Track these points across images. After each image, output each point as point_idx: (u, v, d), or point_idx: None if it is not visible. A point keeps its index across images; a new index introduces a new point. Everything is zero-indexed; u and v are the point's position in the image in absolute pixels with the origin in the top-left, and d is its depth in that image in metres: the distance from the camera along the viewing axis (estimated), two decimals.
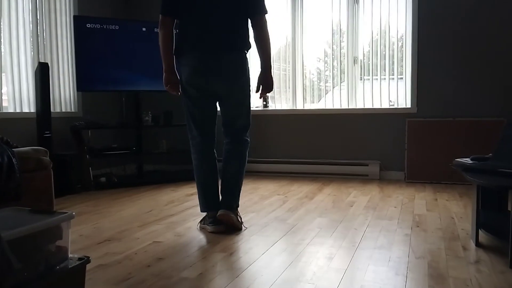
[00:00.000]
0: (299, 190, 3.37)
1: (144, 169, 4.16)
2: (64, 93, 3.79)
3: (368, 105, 3.92)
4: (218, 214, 2.20)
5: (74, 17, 3.58)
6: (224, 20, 2.16)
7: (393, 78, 3.84)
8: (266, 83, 2.26)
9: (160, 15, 2.18)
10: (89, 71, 3.59)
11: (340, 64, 4.00)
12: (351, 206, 2.76)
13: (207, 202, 2.27)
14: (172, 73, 2.23)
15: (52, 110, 3.43)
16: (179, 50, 2.21)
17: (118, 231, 2.26)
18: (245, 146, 2.33)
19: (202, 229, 2.28)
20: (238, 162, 2.29)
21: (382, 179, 3.80)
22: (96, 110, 4.10)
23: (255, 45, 2.26)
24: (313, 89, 4.22)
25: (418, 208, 2.70)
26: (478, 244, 1.93)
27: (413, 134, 3.65)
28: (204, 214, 2.33)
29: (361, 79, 3.95)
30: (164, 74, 2.22)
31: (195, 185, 3.62)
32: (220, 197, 2.29)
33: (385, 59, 3.86)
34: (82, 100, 3.96)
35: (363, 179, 3.83)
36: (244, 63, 2.22)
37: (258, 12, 2.20)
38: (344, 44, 3.98)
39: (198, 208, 2.77)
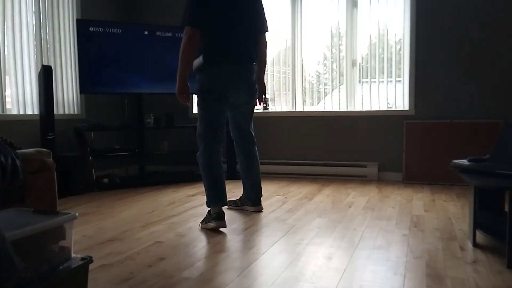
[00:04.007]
0: (298, 191, 3.40)
1: (146, 170, 4.19)
2: (67, 95, 3.82)
3: (367, 107, 3.95)
4: (257, 208, 2.65)
5: (77, 20, 3.61)
6: (246, 34, 2.40)
7: (391, 81, 3.86)
8: (263, 89, 2.66)
9: (187, 26, 2.22)
10: (91, 74, 3.62)
11: (339, 67, 4.03)
12: (350, 207, 2.79)
13: (218, 195, 2.35)
14: (186, 83, 2.33)
15: (55, 112, 3.45)
16: (207, 61, 2.31)
17: (121, 232, 2.29)
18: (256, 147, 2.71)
19: (203, 229, 2.31)
20: (258, 163, 2.68)
21: (380, 180, 3.83)
22: (99, 112, 4.13)
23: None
24: (312, 92, 4.25)
25: (416, 208, 2.72)
26: (475, 244, 1.95)
27: (411, 136, 3.68)
28: (204, 216, 2.38)
29: (359, 82, 3.98)
30: (180, 83, 2.30)
31: (196, 185, 3.67)
32: (246, 195, 2.69)
33: (383, 62, 3.88)
34: (85, 102, 3.99)
35: (362, 180, 3.85)
36: (255, 73, 2.50)
37: (266, 30, 2.54)
38: (343, 47, 4.01)
39: (199, 209, 2.79)
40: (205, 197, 2.39)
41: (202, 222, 2.37)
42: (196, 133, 2.46)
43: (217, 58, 2.32)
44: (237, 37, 2.35)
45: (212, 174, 2.36)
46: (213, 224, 2.26)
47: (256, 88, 2.51)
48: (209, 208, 2.35)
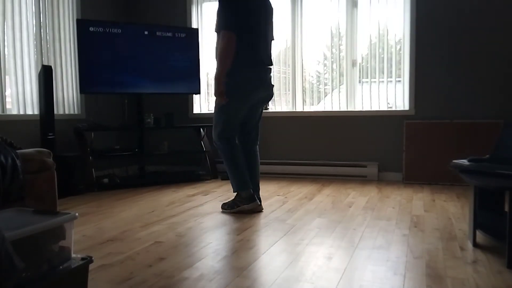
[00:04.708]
0: (298, 191, 3.40)
1: (146, 170, 4.19)
2: (67, 95, 3.82)
3: (367, 107, 3.95)
4: (259, 207, 2.64)
5: (77, 20, 3.61)
6: (267, 40, 2.64)
7: (391, 81, 3.86)
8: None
9: (226, 31, 2.42)
10: (92, 74, 3.63)
11: (339, 67, 4.03)
12: (350, 207, 2.79)
13: (246, 179, 2.60)
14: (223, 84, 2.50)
15: (55, 112, 3.45)
16: (241, 64, 2.48)
17: (121, 232, 2.29)
18: None
19: (231, 213, 2.60)
20: (259, 163, 2.78)
21: (380, 180, 3.83)
22: (99, 112, 4.13)
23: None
24: (312, 92, 4.24)
25: (416, 208, 2.73)
26: (475, 244, 1.95)
27: (411, 136, 3.68)
28: (227, 201, 2.70)
29: (359, 82, 3.98)
30: (220, 85, 2.48)
31: (196, 185, 3.68)
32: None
33: (383, 62, 3.88)
34: (85, 102, 3.99)
35: (362, 180, 3.85)
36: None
37: (273, 38, 2.74)
38: (343, 47, 4.01)
39: (199, 209, 2.80)
40: (231, 185, 2.67)
41: (226, 207, 2.60)
42: (214, 133, 2.65)
43: (249, 61, 2.53)
44: (262, 42, 2.59)
45: (237, 163, 2.60)
46: (250, 206, 2.54)
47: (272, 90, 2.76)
48: (235, 193, 2.64)
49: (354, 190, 3.40)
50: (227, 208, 2.66)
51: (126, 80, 3.78)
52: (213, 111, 4.37)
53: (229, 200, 2.74)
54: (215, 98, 2.57)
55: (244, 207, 2.59)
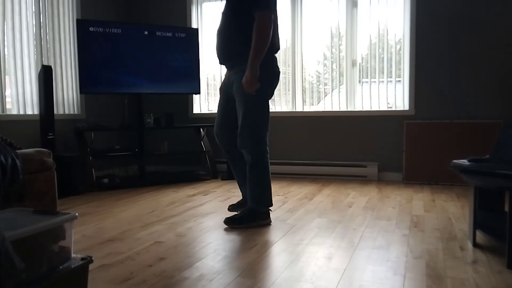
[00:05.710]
0: (298, 191, 3.40)
1: (146, 170, 4.19)
2: (67, 95, 3.82)
3: (367, 108, 3.95)
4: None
5: (77, 20, 3.61)
6: None
7: (391, 81, 3.86)
8: None
9: (269, 11, 2.13)
10: (92, 74, 3.63)
11: (339, 67, 4.03)
12: (350, 207, 2.79)
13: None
14: None
15: (55, 112, 3.45)
16: (277, 48, 2.31)
17: (121, 232, 2.29)
18: None
19: (245, 228, 2.32)
20: None
21: (380, 180, 3.83)
22: (99, 112, 4.13)
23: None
24: (312, 92, 4.24)
25: (416, 209, 2.73)
26: (475, 244, 1.95)
27: (411, 136, 3.68)
28: (231, 216, 2.41)
29: (359, 82, 3.98)
30: (255, 73, 2.16)
31: (196, 185, 3.68)
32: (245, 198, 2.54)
33: (383, 62, 3.88)
34: (85, 103, 3.99)
35: (362, 180, 3.85)
36: None
37: None
38: (343, 47, 4.01)
39: (199, 209, 2.80)
40: (253, 198, 2.39)
41: (240, 223, 2.33)
42: (253, 136, 2.36)
43: (274, 46, 2.28)
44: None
45: (269, 177, 2.42)
46: (267, 222, 2.39)
47: None
48: (252, 208, 2.37)
49: (354, 190, 3.40)
50: (242, 223, 2.34)
51: (126, 80, 3.78)
52: (213, 111, 4.44)
53: (237, 214, 2.41)
54: (242, 91, 2.24)
55: (261, 223, 2.37)
